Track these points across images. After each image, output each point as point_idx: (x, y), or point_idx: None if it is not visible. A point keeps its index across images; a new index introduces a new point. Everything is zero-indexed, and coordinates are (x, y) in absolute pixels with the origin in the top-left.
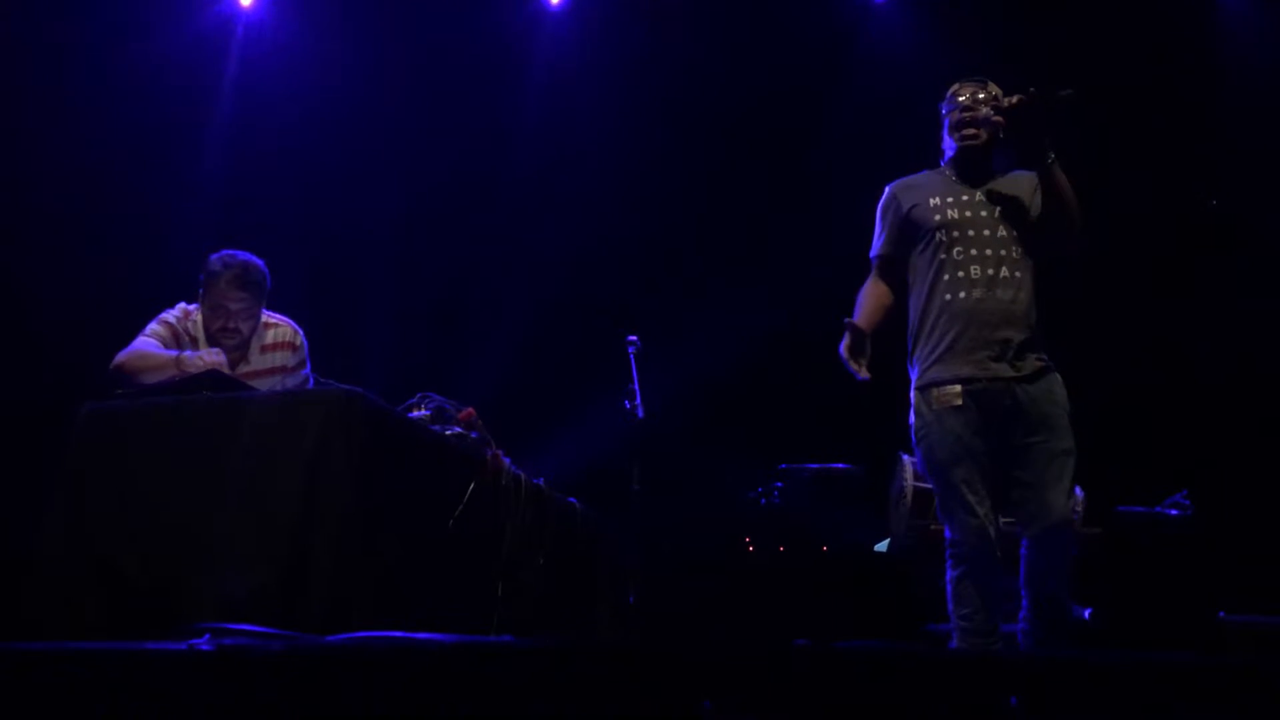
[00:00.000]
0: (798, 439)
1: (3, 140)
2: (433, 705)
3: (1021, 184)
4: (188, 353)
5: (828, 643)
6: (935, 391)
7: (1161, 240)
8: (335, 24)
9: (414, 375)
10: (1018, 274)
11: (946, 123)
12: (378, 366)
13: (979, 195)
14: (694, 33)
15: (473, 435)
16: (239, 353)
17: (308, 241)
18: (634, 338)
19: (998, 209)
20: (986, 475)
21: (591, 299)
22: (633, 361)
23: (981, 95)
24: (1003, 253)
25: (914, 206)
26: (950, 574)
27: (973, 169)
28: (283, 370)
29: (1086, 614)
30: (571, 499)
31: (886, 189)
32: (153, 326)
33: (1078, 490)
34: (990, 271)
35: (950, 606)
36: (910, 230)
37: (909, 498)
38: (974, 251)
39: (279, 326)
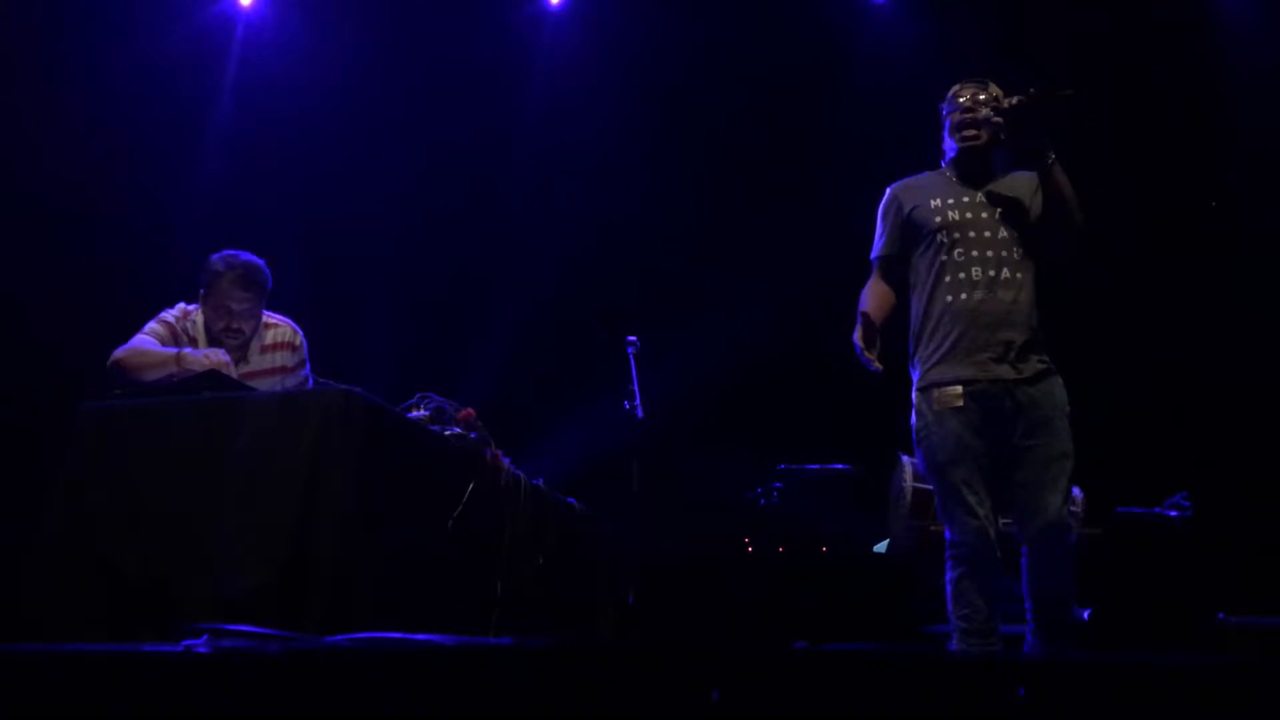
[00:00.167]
0: (797, 440)
1: (2, 140)
2: (431, 706)
3: (1022, 185)
4: (189, 350)
5: (826, 643)
6: (936, 392)
7: (1161, 241)
8: (334, 23)
9: (413, 375)
10: (1019, 275)
11: (947, 124)
12: (377, 366)
13: (980, 196)
14: (693, 33)
15: (472, 435)
16: (239, 353)
17: (307, 241)
18: (633, 338)
19: (999, 210)
20: (987, 476)
21: (589, 300)
22: (632, 362)
23: (982, 96)
24: (1004, 254)
25: (915, 208)
26: (950, 574)
27: (973, 170)
28: (282, 370)
29: (1086, 615)
30: (571, 499)
31: (887, 190)
32: (151, 325)
33: (1077, 491)
34: (991, 273)
35: (950, 607)
36: (911, 231)
37: (908, 498)
38: (975, 253)
39: (278, 327)
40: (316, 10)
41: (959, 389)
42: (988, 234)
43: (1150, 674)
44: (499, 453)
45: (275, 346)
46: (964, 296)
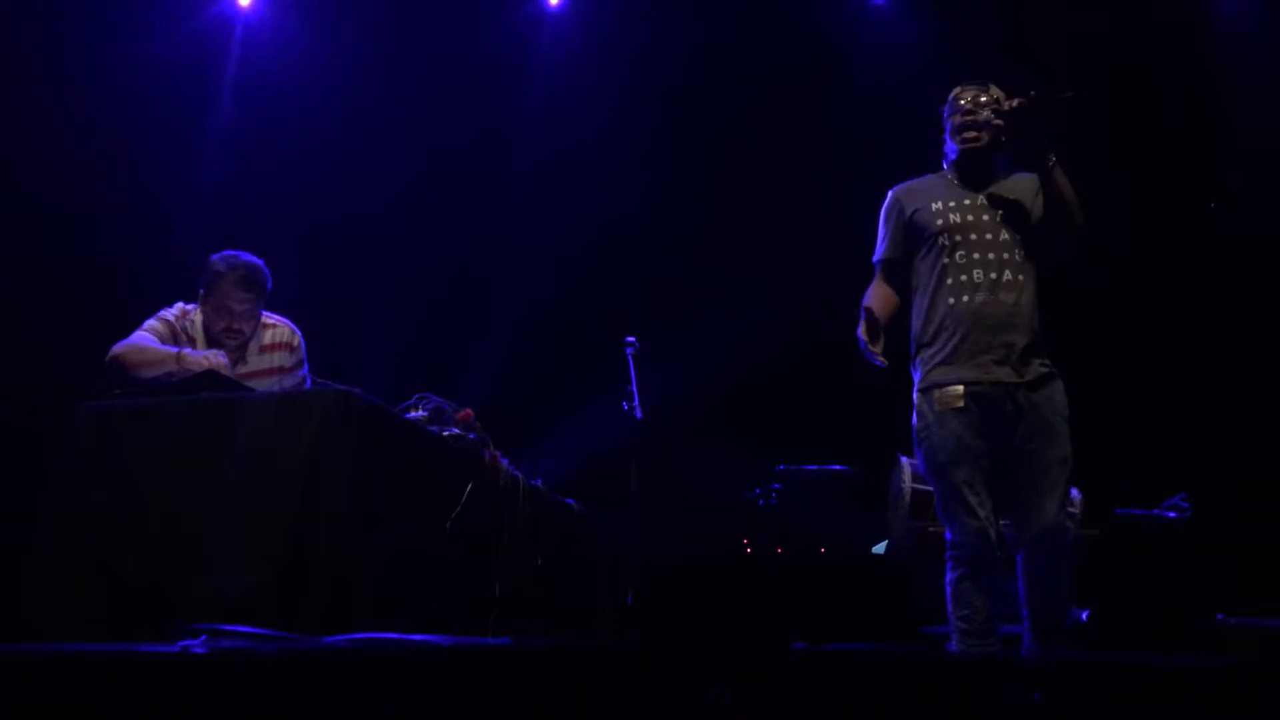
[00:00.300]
0: (796, 440)
1: (1, 141)
2: (428, 707)
3: (1023, 187)
4: (189, 351)
5: (824, 644)
6: (938, 393)
7: (1160, 242)
8: (333, 24)
9: (412, 376)
10: (1021, 277)
11: (948, 126)
12: (376, 367)
13: (981, 199)
14: (692, 33)
15: (470, 436)
16: (238, 353)
17: (306, 241)
18: (632, 339)
19: (1000, 212)
20: (987, 477)
21: (588, 301)
22: (631, 363)
23: (983, 98)
24: (1005, 256)
25: (916, 210)
26: (950, 575)
27: (975, 172)
28: (280, 371)
29: (1085, 616)
30: (569, 500)
31: (889, 193)
32: (150, 323)
33: (1075, 492)
34: (993, 275)
35: (950, 608)
36: (913, 234)
37: (907, 499)
38: (976, 255)
39: (277, 327)
40: (315, 10)
41: (960, 389)
42: (989, 236)
43: (1151, 675)
44: (497, 453)
45: (273, 347)
46: (966, 299)
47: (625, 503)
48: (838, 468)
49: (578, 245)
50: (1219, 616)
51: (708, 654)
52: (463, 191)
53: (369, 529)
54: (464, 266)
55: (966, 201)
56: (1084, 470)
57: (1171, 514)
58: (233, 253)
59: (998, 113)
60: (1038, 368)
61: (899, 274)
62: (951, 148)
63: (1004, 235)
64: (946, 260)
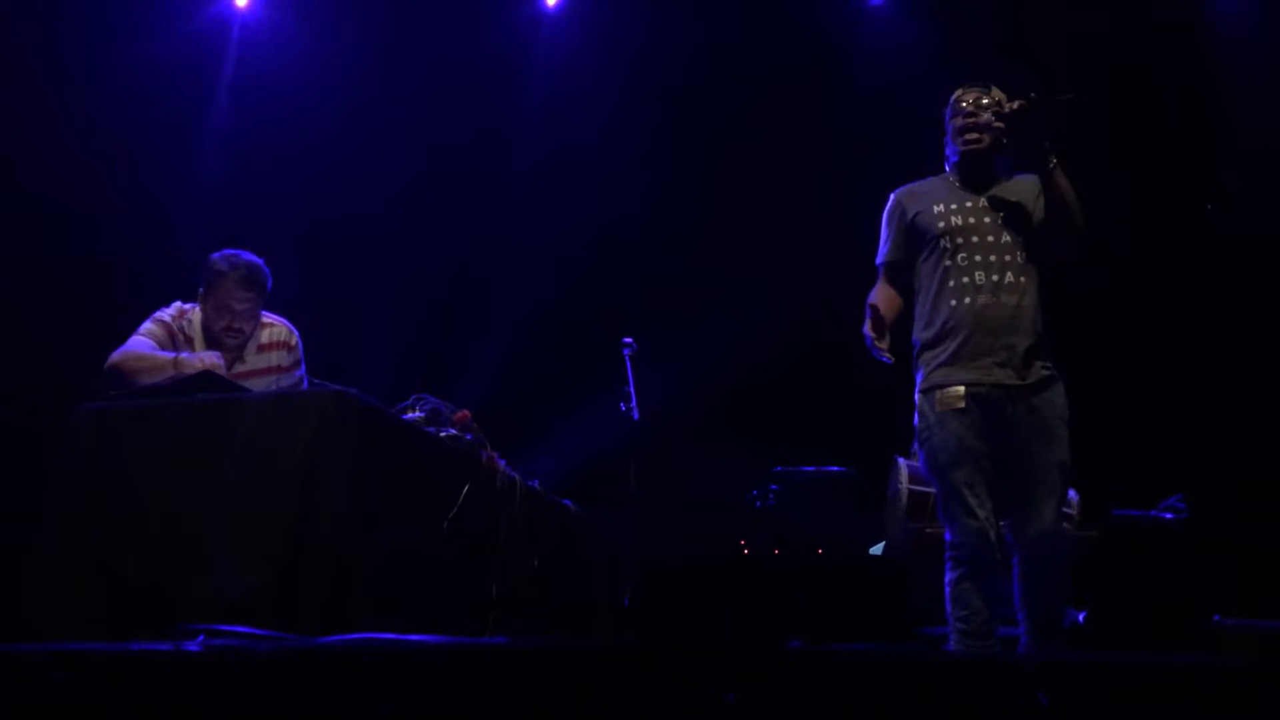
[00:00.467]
0: (793, 441)
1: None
2: (424, 707)
3: (1025, 189)
4: (185, 354)
5: (821, 645)
6: (939, 394)
7: (1158, 243)
8: (330, 24)
9: (410, 376)
10: (1022, 279)
11: (949, 129)
12: (374, 367)
13: (983, 201)
14: (690, 33)
15: (467, 437)
16: (236, 352)
17: (304, 242)
18: (629, 340)
19: (1001, 214)
20: (988, 478)
21: (587, 301)
22: (628, 364)
23: (985, 101)
24: (1007, 258)
25: (918, 213)
26: (949, 575)
27: (976, 175)
28: (278, 370)
29: (1082, 617)
30: (566, 501)
31: (891, 196)
32: (147, 325)
33: (1072, 493)
34: (995, 277)
35: (948, 608)
36: (915, 237)
37: (904, 500)
38: (978, 257)
39: (274, 327)
40: (312, 11)
41: (961, 390)
42: (991, 238)
43: (1150, 675)
44: (494, 454)
45: (271, 346)
46: (968, 301)
47: (623, 503)
48: (835, 469)
49: (574, 246)
50: (1215, 618)
51: (705, 654)
52: (460, 191)
53: (366, 529)
54: (461, 267)
55: (968, 204)
56: (1081, 471)
57: (1168, 515)
58: (233, 252)
59: (998, 115)
60: (1039, 370)
61: (902, 276)
62: (953, 150)
63: (1005, 237)
64: (948, 262)
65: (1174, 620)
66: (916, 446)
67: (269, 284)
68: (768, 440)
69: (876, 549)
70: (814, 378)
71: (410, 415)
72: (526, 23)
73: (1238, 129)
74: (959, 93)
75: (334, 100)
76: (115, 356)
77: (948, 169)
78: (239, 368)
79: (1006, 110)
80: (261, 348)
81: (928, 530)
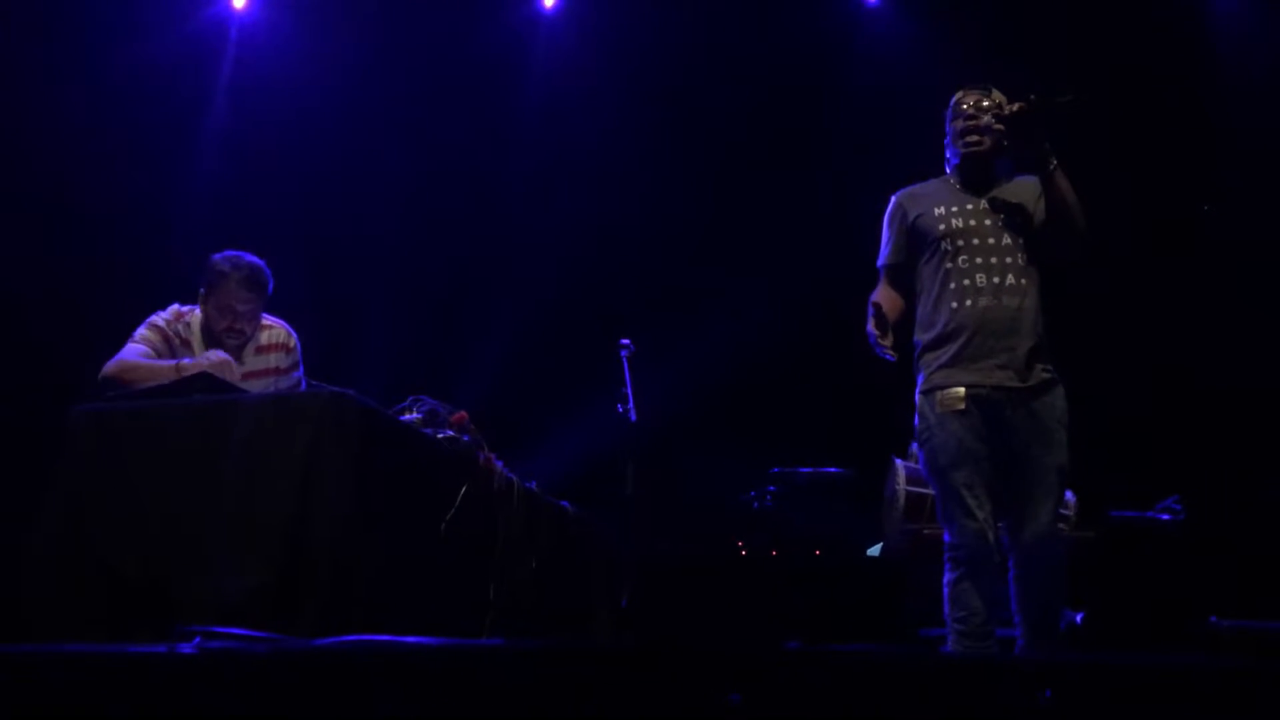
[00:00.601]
0: (791, 443)
1: None
2: (421, 709)
3: (1026, 190)
4: (187, 360)
5: (819, 646)
6: (939, 395)
7: (1156, 244)
8: (328, 25)
9: (407, 378)
10: (1023, 281)
11: (950, 131)
12: (371, 369)
13: (983, 203)
14: (688, 34)
15: (465, 439)
16: (235, 354)
17: (302, 243)
18: (627, 341)
19: (1002, 216)
20: (987, 480)
21: (585, 302)
22: (626, 365)
23: (985, 103)
24: (1008, 260)
25: (919, 216)
26: (948, 576)
27: (977, 177)
28: (276, 372)
29: (1079, 618)
30: (564, 502)
31: (892, 199)
32: (142, 331)
33: (1069, 494)
34: (996, 279)
35: (946, 609)
36: (916, 239)
37: (901, 501)
38: (979, 260)
39: (273, 328)
40: (309, 12)
41: (961, 391)
42: (992, 241)
43: (1149, 676)
44: (492, 456)
45: (270, 348)
46: (969, 303)
47: (620, 505)
48: (832, 470)
49: (572, 247)
50: (1212, 619)
51: (704, 655)
52: (458, 192)
53: (364, 531)
54: (459, 268)
55: (969, 206)
56: (1079, 472)
57: (1165, 516)
58: (235, 253)
59: (999, 117)
60: (1040, 373)
61: (903, 278)
62: (953, 152)
63: (1006, 239)
64: (949, 265)
65: (1171, 621)
66: (915, 447)
67: (270, 286)
68: (765, 441)
69: (874, 550)
70: (811, 379)
71: (408, 416)
72: (524, 23)
73: (1235, 129)
74: (959, 95)
75: (331, 101)
76: (110, 367)
77: (948, 171)
78: (238, 369)
79: (1007, 112)
80: (260, 349)
81: (925, 531)
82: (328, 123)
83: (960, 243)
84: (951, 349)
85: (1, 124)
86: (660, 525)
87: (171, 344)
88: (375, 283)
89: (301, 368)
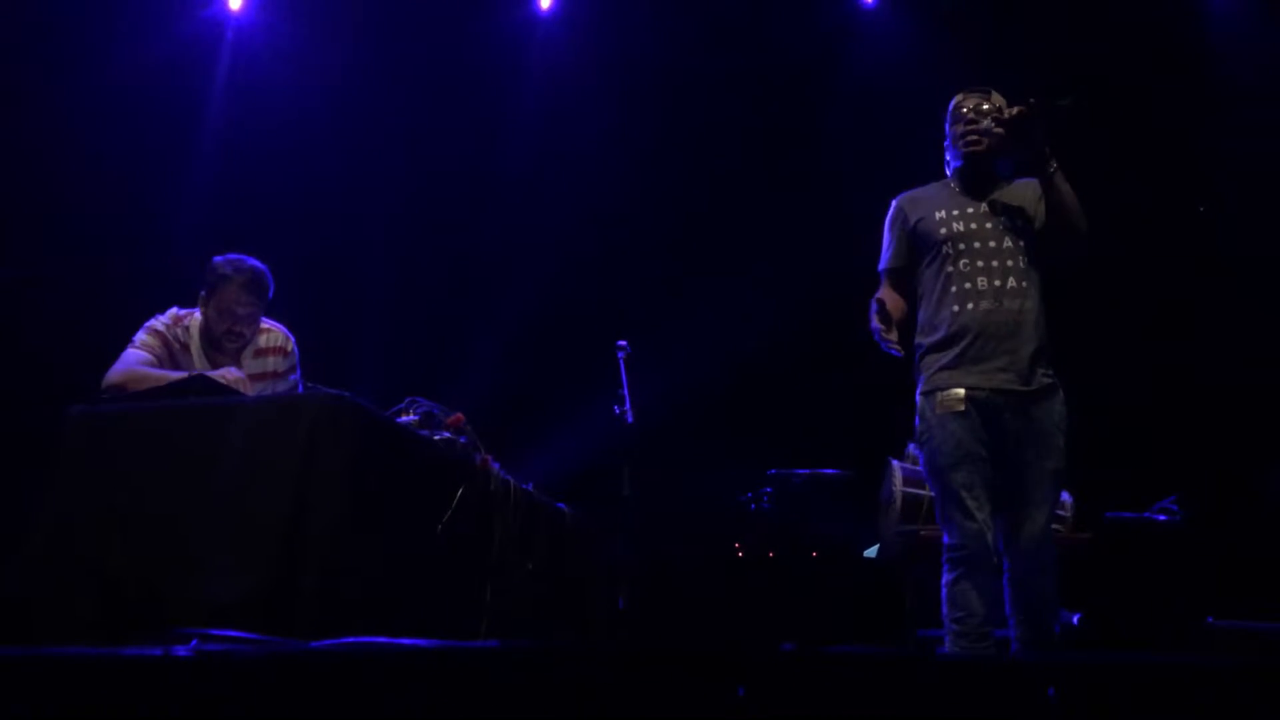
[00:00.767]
0: (788, 444)
1: None
2: (418, 712)
3: (1026, 193)
4: (209, 374)
5: (816, 647)
6: (939, 396)
7: (1154, 245)
8: (324, 28)
9: (404, 380)
10: (1024, 284)
11: (950, 135)
12: (367, 371)
13: (984, 207)
14: (684, 36)
15: (461, 440)
16: (233, 357)
17: (299, 245)
18: (624, 343)
19: (1003, 219)
20: (986, 480)
21: (582, 304)
22: (623, 366)
23: (985, 106)
24: (1009, 263)
25: (920, 219)
26: (947, 577)
27: (977, 180)
28: (274, 375)
29: (1076, 619)
30: (561, 504)
31: (893, 203)
32: (141, 337)
33: (1066, 496)
34: (997, 282)
35: (945, 610)
36: (917, 243)
37: (898, 503)
38: (980, 263)
39: (271, 332)
40: (305, 15)
41: (961, 393)
42: (993, 244)
43: (1147, 676)
44: (488, 457)
45: (268, 351)
46: (970, 306)
47: (617, 506)
48: (829, 471)
49: (568, 249)
50: (1209, 619)
51: (700, 657)
52: (454, 194)
53: (360, 533)
54: (455, 270)
55: (970, 210)
56: (1075, 473)
57: (1162, 517)
58: (238, 256)
59: (998, 121)
60: (1041, 378)
61: (905, 283)
62: (954, 155)
63: (1007, 242)
64: (951, 268)
65: (1167, 622)
66: (911, 449)
67: (271, 290)
68: (762, 443)
69: (870, 552)
70: (808, 381)
71: (404, 418)
72: (520, 25)
73: (1232, 129)
74: (959, 98)
75: (327, 103)
76: (115, 376)
77: (948, 174)
78: (251, 387)
79: (1006, 116)
80: (258, 353)
81: (921, 533)
82: (324, 125)
83: (961, 246)
84: (953, 351)
85: None
86: (657, 527)
87: (171, 348)
88: (372, 285)
89: (299, 371)
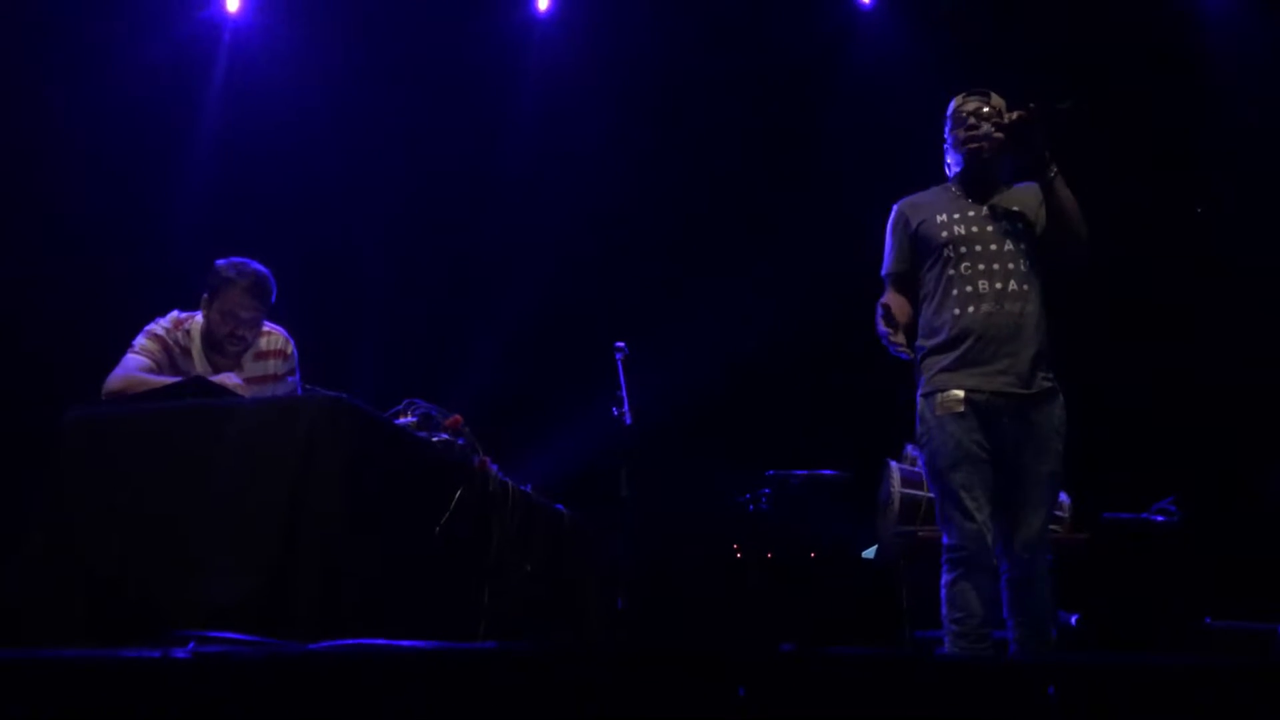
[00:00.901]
0: (786, 445)
1: None
2: (416, 714)
3: (1027, 197)
4: (212, 378)
5: (814, 648)
6: (939, 397)
7: (1151, 246)
8: (321, 29)
9: (402, 381)
10: (1025, 287)
11: (950, 139)
12: (366, 372)
13: (985, 210)
14: (682, 37)
15: (459, 442)
16: (234, 359)
17: (296, 247)
18: (622, 344)
19: (1004, 223)
20: (985, 482)
21: (580, 305)
22: (620, 368)
23: (985, 110)
24: (1010, 266)
25: (922, 223)
26: (946, 578)
27: (978, 184)
28: (274, 378)
29: (1074, 620)
30: (559, 505)
31: (894, 207)
32: (141, 341)
33: (1064, 497)
34: (999, 286)
35: (944, 610)
36: (919, 247)
37: (896, 504)
38: (982, 266)
39: (271, 334)
40: (303, 16)
41: (960, 394)
42: (994, 247)
43: (1146, 676)
44: (486, 459)
45: (268, 354)
46: (972, 310)
47: (615, 507)
48: (828, 472)
49: (567, 250)
50: (1206, 620)
51: (699, 658)
52: (452, 196)
53: (358, 535)
54: (453, 272)
55: (971, 213)
56: (1073, 474)
57: (1160, 518)
58: (242, 260)
59: (999, 126)
60: (1041, 381)
61: (907, 286)
62: (955, 159)
63: (1009, 246)
64: (952, 272)
65: (1165, 623)
66: (909, 450)
67: (274, 294)
68: (760, 444)
69: (869, 553)
70: (806, 382)
71: (402, 420)
72: (518, 27)
73: (1225, 134)
74: (959, 101)
75: (324, 105)
76: (115, 382)
77: (949, 177)
78: (249, 391)
79: (1006, 121)
80: (259, 355)
81: (919, 534)
82: (322, 126)
83: (963, 250)
84: (954, 354)
85: None
86: (655, 528)
87: (171, 353)
88: (370, 286)
89: (298, 373)
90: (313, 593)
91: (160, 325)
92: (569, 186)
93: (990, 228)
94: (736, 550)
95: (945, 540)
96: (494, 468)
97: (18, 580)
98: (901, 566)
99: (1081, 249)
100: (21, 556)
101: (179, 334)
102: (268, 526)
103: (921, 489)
